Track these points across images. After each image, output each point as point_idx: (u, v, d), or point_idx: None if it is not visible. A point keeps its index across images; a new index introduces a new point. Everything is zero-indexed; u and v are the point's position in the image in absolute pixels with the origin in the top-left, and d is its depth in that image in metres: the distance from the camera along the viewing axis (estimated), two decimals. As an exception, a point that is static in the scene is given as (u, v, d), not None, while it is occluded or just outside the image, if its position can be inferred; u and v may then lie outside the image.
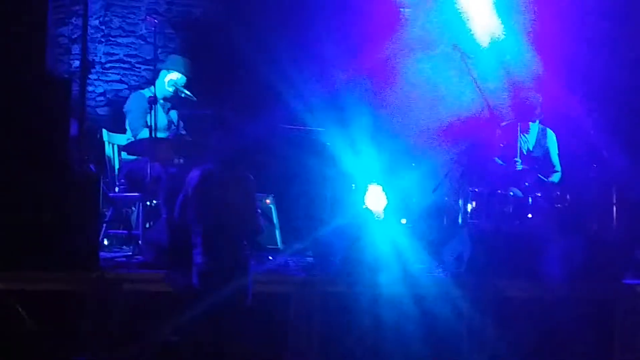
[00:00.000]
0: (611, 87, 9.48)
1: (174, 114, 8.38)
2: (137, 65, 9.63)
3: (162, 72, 8.31)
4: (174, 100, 8.27)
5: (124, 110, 8.30)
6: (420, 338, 6.76)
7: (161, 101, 8.20)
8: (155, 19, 8.31)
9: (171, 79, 8.25)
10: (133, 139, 8.04)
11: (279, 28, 9.41)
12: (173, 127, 8.25)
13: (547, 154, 8.94)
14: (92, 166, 7.28)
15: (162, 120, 8.18)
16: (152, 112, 7.70)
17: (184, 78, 8.28)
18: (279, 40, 9.25)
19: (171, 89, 8.23)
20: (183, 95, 8.11)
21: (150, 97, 7.81)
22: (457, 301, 6.96)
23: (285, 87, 8.89)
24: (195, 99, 8.12)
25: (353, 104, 8.81)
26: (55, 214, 6.38)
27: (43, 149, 6.59)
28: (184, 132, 8.36)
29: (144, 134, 7.94)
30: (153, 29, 8.11)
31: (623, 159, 8.75)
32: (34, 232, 6.31)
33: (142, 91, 8.39)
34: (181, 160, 7.63)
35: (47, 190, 6.43)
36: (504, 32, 9.78)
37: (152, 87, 7.96)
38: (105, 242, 8.06)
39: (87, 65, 7.34)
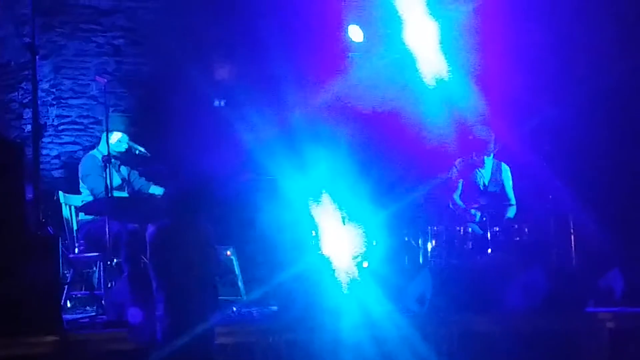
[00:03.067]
0: (562, 122, 9.59)
1: (124, 170, 8.36)
2: (90, 126, 9.64)
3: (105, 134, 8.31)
4: (123, 158, 8.25)
5: (80, 175, 8.27)
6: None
7: (112, 160, 8.17)
8: (105, 78, 8.34)
9: (117, 138, 8.24)
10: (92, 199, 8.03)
11: (234, 73, 9.47)
12: (125, 184, 8.25)
13: (502, 188, 9.04)
14: (50, 228, 7.25)
15: (116, 178, 8.16)
16: (107, 171, 7.69)
17: (126, 136, 8.29)
18: (235, 85, 9.31)
19: (122, 148, 8.21)
20: (137, 152, 8.13)
21: (103, 156, 7.82)
22: (419, 344, 6.94)
23: (244, 132, 8.95)
24: (149, 154, 8.13)
25: (311, 146, 8.83)
26: (15, 279, 6.31)
27: (-1, 214, 6.55)
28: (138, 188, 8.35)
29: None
30: (103, 88, 8.13)
31: (575, 190, 8.85)
32: (-6, 298, 6.26)
33: (92, 152, 8.39)
34: None
35: (5, 255, 6.37)
36: (450, 72, 9.92)
37: (105, 145, 7.96)
38: (68, 304, 8.01)
39: (39, 129, 7.31)
